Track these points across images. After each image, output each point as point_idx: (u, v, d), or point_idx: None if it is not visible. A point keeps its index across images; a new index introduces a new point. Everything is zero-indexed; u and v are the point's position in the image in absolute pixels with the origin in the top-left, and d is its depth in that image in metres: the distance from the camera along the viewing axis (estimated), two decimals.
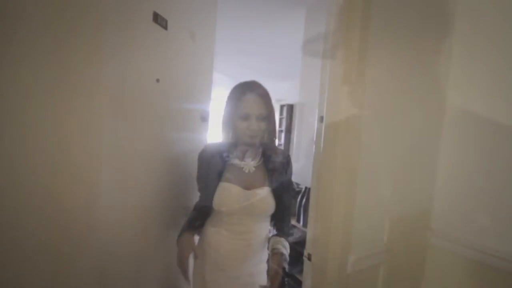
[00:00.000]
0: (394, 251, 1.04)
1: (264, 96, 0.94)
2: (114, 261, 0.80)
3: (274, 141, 0.99)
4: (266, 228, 1.02)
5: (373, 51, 0.89)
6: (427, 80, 1.13)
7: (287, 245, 0.98)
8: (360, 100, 0.88)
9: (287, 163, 1.02)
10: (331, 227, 0.88)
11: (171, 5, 0.96)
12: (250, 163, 0.98)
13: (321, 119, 0.94)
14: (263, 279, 0.98)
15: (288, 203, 1.05)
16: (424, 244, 1.21)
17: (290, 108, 3.86)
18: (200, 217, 1.00)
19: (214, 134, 1.14)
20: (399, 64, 1.00)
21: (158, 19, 0.89)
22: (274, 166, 0.99)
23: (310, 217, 0.97)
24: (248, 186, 0.96)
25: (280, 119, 3.92)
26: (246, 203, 0.93)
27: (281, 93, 3.86)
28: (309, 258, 0.95)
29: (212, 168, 0.95)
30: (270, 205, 0.96)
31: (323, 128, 0.92)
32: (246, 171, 0.97)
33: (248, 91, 0.93)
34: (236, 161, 0.98)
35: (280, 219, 1.03)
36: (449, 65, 1.19)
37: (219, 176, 0.95)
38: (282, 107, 3.96)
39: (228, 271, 0.95)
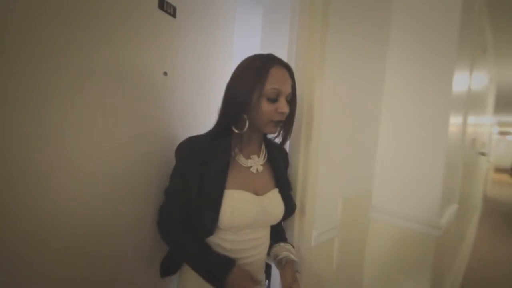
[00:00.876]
0: (345, 226, 1.24)
1: (291, 72, 0.74)
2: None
3: (291, 131, 0.79)
4: (269, 238, 0.83)
5: (332, 50, 1.04)
6: (372, 79, 1.35)
7: (293, 250, 0.84)
8: (321, 95, 1.02)
9: (286, 157, 0.91)
10: (301, 207, 1.02)
11: None
12: (257, 161, 0.77)
13: None
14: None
15: (294, 207, 0.85)
16: (367, 218, 1.46)
17: None
18: (202, 236, 0.72)
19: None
20: (352, 65, 1.17)
21: (165, 6, 0.81)
22: (278, 162, 0.81)
23: None
24: (259, 190, 0.75)
25: None
26: (261, 212, 0.73)
27: None
28: None
29: (208, 171, 0.69)
30: (282, 210, 0.78)
31: None
32: (254, 171, 0.76)
33: (277, 63, 0.70)
34: (241, 159, 0.75)
35: (280, 223, 0.86)
36: (385, 66, 1.43)
37: (223, 182, 0.69)
38: None
39: None
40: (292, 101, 0.75)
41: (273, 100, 0.69)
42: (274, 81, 0.68)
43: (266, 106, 0.68)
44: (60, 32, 0.58)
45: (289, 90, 0.71)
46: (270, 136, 0.85)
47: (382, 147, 1.46)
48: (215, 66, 1.09)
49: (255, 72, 0.67)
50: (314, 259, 1.09)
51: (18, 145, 0.54)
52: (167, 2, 0.84)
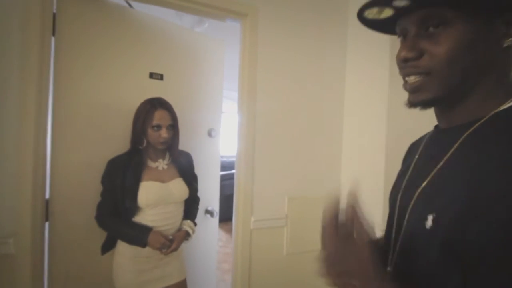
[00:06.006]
0: (296, 221, 1.49)
1: (171, 109, 1.19)
2: None
3: (178, 144, 1.24)
4: (182, 212, 1.26)
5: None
6: (326, 75, 1.58)
7: (193, 226, 1.28)
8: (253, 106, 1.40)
9: (190, 160, 1.33)
10: (240, 197, 1.40)
11: (166, 62, 1.43)
12: (162, 162, 1.22)
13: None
14: (178, 254, 1.24)
15: (196, 191, 1.34)
16: None
17: None
18: (130, 217, 1.13)
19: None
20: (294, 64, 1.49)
21: (153, 76, 1.42)
22: (181, 162, 1.27)
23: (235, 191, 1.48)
24: (165, 179, 1.19)
25: None
26: (167, 193, 1.17)
27: None
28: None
29: (130, 174, 1.12)
30: (185, 191, 1.23)
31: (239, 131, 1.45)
32: (160, 168, 1.21)
33: (158, 106, 1.15)
34: (150, 163, 1.19)
35: (190, 205, 1.30)
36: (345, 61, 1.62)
37: (139, 178, 1.12)
38: None
39: (154, 257, 1.16)
40: (174, 127, 1.19)
41: (157, 129, 1.14)
42: (157, 119, 1.14)
43: (153, 134, 1.15)
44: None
45: (169, 122, 1.16)
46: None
47: (346, 156, 1.63)
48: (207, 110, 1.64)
49: (146, 113, 1.15)
50: (257, 240, 1.42)
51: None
52: (156, 73, 1.44)
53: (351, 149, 1.59)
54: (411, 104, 0.42)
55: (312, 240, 1.61)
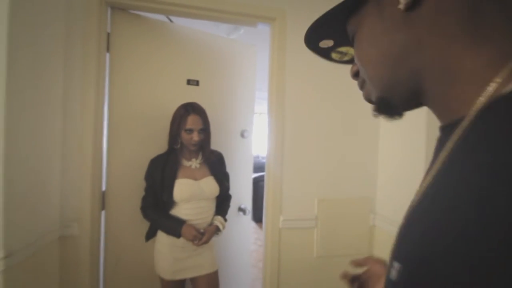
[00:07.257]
0: (326, 222, 1.47)
1: (203, 114, 1.30)
2: None
3: (209, 145, 1.36)
4: (214, 208, 1.36)
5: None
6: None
7: (223, 221, 1.36)
8: (282, 102, 1.42)
9: (221, 159, 1.43)
10: (269, 196, 1.44)
11: (202, 69, 1.57)
12: (195, 162, 1.34)
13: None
14: (210, 247, 1.34)
15: (227, 188, 1.42)
16: (369, 224, 1.54)
17: None
18: (167, 210, 1.27)
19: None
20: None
21: (190, 82, 1.58)
22: (213, 161, 1.37)
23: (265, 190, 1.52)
24: (197, 177, 1.31)
25: None
26: (198, 190, 1.28)
27: None
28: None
29: (167, 171, 1.26)
30: (215, 188, 1.33)
31: (269, 133, 1.49)
32: (193, 167, 1.33)
33: (191, 111, 1.27)
34: (185, 162, 1.33)
35: (222, 202, 1.40)
36: None
37: (174, 176, 1.27)
38: None
39: (188, 247, 1.27)
40: (205, 130, 1.29)
41: (190, 133, 1.26)
42: (189, 123, 1.26)
43: (186, 136, 1.27)
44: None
45: (200, 126, 1.27)
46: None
47: (382, 156, 1.53)
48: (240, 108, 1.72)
49: (180, 117, 1.27)
50: (287, 239, 1.44)
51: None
52: (192, 80, 1.57)
53: (388, 151, 1.50)
54: (375, 112, 0.39)
55: (344, 244, 1.58)
